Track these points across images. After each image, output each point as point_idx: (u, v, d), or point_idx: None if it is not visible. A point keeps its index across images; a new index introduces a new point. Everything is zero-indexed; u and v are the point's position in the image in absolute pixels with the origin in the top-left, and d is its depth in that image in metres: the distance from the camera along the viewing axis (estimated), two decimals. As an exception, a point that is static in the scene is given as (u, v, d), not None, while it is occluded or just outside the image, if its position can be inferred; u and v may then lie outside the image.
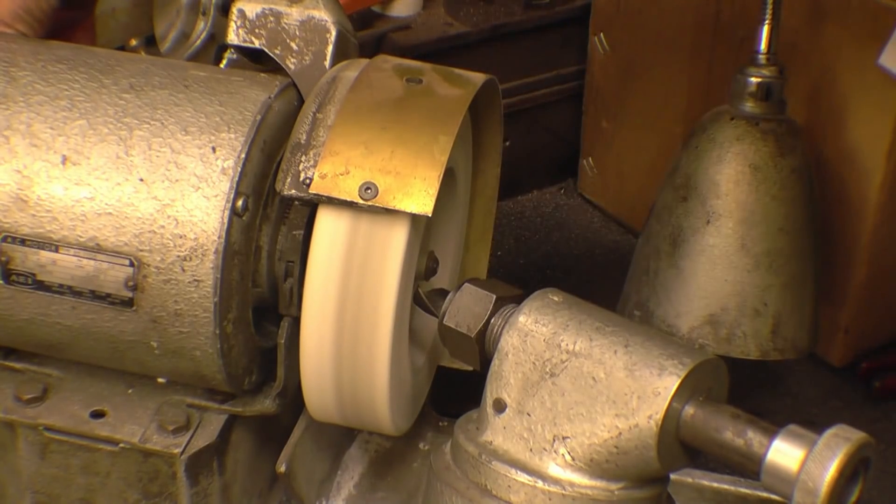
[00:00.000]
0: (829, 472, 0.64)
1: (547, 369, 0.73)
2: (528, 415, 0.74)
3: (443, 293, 0.84)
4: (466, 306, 0.80)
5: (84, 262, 0.86)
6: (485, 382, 0.77)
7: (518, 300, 0.78)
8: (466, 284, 0.81)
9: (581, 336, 0.73)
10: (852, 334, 1.43)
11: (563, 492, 0.72)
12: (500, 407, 0.75)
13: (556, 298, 0.76)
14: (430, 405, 1.03)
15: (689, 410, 0.70)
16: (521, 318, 0.75)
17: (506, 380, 0.75)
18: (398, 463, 1.02)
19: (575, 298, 0.77)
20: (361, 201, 0.83)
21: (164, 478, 0.89)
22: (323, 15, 0.95)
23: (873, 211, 1.36)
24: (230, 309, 0.86)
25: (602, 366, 0.73)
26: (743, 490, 0.97)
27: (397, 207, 0.82)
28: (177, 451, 0.89)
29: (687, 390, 0.71)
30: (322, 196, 0.83)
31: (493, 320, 0.78)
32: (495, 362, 0.76)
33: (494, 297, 0.79)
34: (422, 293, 0.88)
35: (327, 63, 0.95)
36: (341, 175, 0.83)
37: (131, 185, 0.85)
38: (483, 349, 0.79)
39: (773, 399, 1.42)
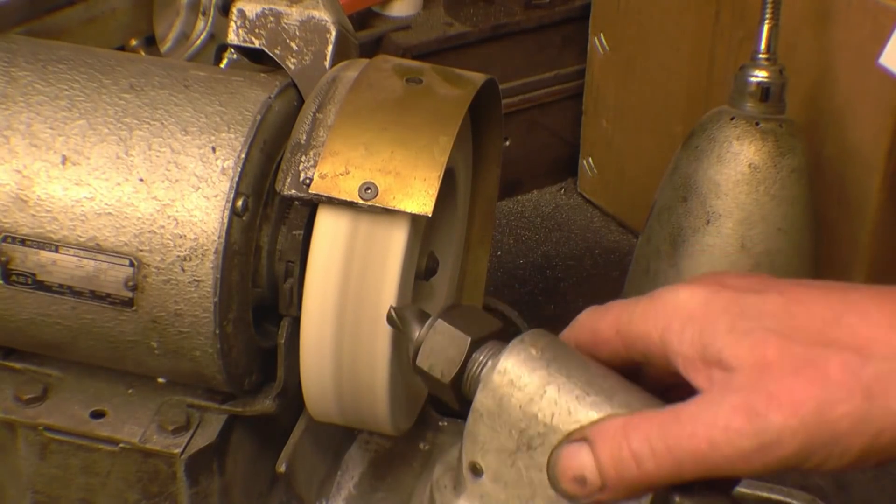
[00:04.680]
0: None
1: (524, 440, 0.69)
2: (506, 485, 0.70)
3: (421, 315, 0.77)
4: (440, 347, 0.74)
5: (84, 262, 0.86)
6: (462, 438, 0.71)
7: (497, 336, 0.73)
8: (439, 322, 0.74)
9: (559, 407, 0.68)
10: (852, 334, 1.43)
11: None
12: (476, 472, 0.71)
13: (534, 352, 0.70)
14: (430, 405, 1.03)
15: (677, 496, 0.67)
16: (496, 378, 0.69)
17: (481, 444, 0.70)
18: (398, 463, 1.02)
19: (556, 349, 0.70)
20: (361, 201, 0.83)
21: (164, 478, 0.89)
22: (323, 15, 0.95)
23: (873, 211, 1.36)
24: (230, 309, 0.86)
25: None
26: (743, 490, 0.97)
27: (397, 207, 0.82)
28: (177, 451, 0.89)
29: None
30: (322, 196, 0.83)
31: (468, 364, 0.73)
32: (470, 420, 0.70)
33: (469, 339, 0.73)
34: (394, 313, 0.79)
35: (327, 63, 0.95)
36: (341, 175, 0.83)
37: (131, 185, 0.85)
38: (460, 393, 0.74)
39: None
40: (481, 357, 0.72)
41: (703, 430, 0.61)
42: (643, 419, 0.64)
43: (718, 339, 0.62)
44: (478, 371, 0.72)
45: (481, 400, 0.70)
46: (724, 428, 0.61)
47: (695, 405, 0.63)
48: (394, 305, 0.84)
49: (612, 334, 0.69)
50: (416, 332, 0.75)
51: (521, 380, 0.69)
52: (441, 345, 0.74)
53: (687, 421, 0.62)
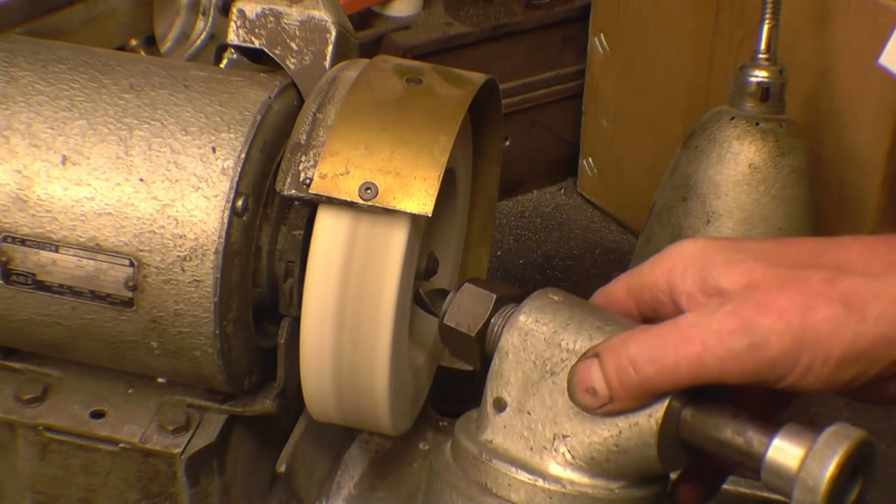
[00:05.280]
0: (829, 469, 0.64)
1: (547, 368, 0.73)
2: (529, 413, 0.74)
3: (443, 293, 0.84)
4: (467, 306, 0.80)
5: (84, 262, 0.86)
6: (485, 382, 0.77)
7: (518, 300, 0.78)
8: (467, 284, 0.81)
9: (581, 335, 0.73)
10: (852, 334, 1.43)
11: (564, 490, 0.73)
12: (500, 406, 0.75)
13: (556, 297, 0.76)
14: (430, 405, 1.03)
15: (690, 408, 0.70)
16: (522, 318, 0.75)
17: (506, 379, 0.75)
18: (398, 463, 1.02)
19: (575, 298, 0.77)
20: (361, 201, 0.83)
21: (164, 478, 0.89)
22: (323, 15, 0.95)
23: (873, 211, 1.36)
24: (230, 309, 0.86)
25: None
26: (743, 490, 0.97)
27: (397, 207, 0.82)
28: (177, 451, 0.88)
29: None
30: (322, 196, 0.83)
31: (493, 319, 0.78)
32: (495, 361, 0.76)
33: (495, 296, 0.79)
34: (422, 293, 0.88)
35: (327, 63, 0.95)
36: (341, 175, 0.83)
37: (131, 185, 0.85)
38: (483, 349, 0.79)
39: (773, 399, 1.41)
40: (504, 313, 0.78)
41: (697, 335, 0.66)
42: (643, 331, 0.69)
43: (716, 271, 0.68)
44: (500, 328, 0.77)
45: (507, 339, 0.75)
46: (717, 331, 0.65)
47: (691, 316, 0.68)
48: (423, 290, 0.90)
49: (623, 295, 0.74)
50: (442, 305, 0.81)
51: (545, 317, 0.74)
52: (468, 303, 0.80)
53: (683, 328, 0.67)
